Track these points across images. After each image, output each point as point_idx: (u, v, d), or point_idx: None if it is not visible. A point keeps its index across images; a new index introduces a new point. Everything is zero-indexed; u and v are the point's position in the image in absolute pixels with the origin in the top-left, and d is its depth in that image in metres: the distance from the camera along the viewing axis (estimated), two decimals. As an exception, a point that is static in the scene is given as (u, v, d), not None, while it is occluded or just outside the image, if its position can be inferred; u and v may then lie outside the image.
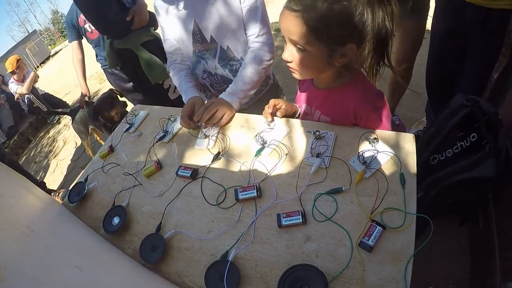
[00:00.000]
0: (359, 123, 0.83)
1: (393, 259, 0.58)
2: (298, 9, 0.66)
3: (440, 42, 1.29)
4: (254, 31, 1.04)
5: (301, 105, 1.01)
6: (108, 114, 2.08)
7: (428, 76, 1.48)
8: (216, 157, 0.90)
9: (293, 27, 0.68)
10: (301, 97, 0.98)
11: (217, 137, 0.97)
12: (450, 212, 1.28)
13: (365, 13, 0.65)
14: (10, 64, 3.71)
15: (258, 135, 0.89)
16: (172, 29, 1.12)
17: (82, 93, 2.34)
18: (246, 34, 1.07)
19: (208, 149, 0.94)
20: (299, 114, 1.00)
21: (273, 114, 0.93)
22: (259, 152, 0.86)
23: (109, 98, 2.01)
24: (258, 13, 1.02)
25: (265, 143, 0.87)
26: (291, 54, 0.74)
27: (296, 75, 0.79)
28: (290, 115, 0.98)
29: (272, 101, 0.93)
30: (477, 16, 1.02)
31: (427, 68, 1.47)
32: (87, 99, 2.39)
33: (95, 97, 3.42)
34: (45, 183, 2.67)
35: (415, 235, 0.60)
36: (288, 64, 0.77)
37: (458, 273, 1.22)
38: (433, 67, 1.42)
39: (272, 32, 1.13)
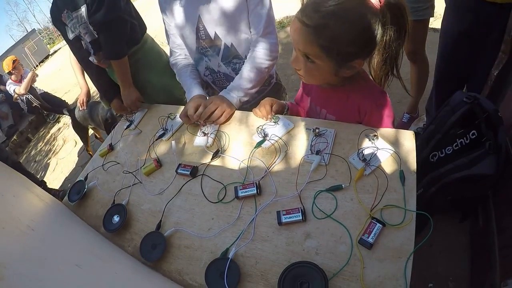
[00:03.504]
0: (363, 120, 0.83)
1: (393, 256, 0.58)
2: (310, 24, 0.66)
3: (454, 43, 1.27)
4: (259, 29, 1.02)
5: (304, 105, 1.01)
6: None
7: (439, 75, 1.46)
8: (216, 155, 0.90)
9: (304, 41, 0.69)
10: (306, 96, 0.98)
11: (215, 135, 0.97)
12: (450, 209, 1.28)
13: (377, 29, 0.65)
14: (6, 65, 3.65)
15: (261, 127, 0.89)
16: (176, 25, 1.11)
17: (82, 91, 2.24)
18: (250, 32, 1.06)
19: (207, 146, 0.94)
20: (287, 110, 1.01)
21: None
22: (259, 144, 0.86)
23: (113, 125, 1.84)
24: (264, 11, 1.00)
25: (266, 136, 0.87)
26: (299, 63, 0.75)
27: (304, 80, 0.82)
28: (279, 111, 0.99)
29: (267, 104, 0.94)
30: (491, 13, 1.01)
31: (437, 67, 1.45)
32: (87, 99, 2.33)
33: (97, 97, 3.38)
34: (45, 182, 2.66)
35: (415, 232, 0.60)
36: (296, 70, 0.78)
37: (458, 270, 1.22)
38: (445, 67, 1.40)
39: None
